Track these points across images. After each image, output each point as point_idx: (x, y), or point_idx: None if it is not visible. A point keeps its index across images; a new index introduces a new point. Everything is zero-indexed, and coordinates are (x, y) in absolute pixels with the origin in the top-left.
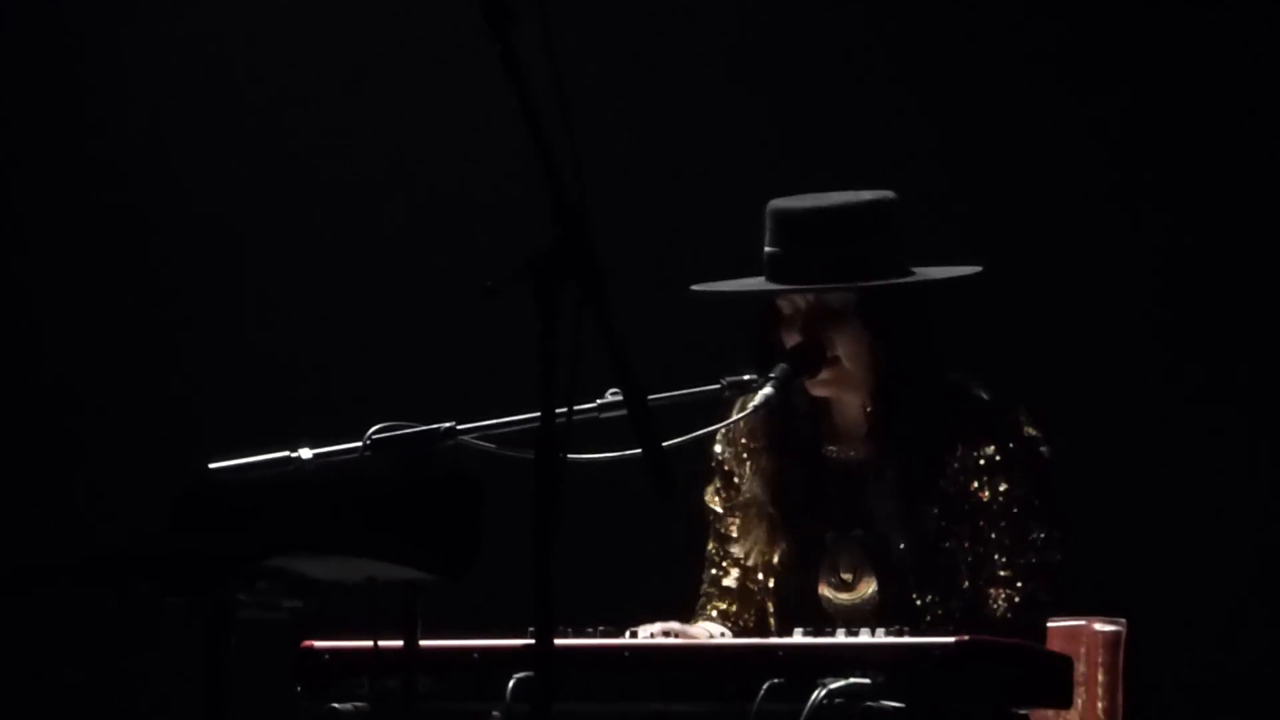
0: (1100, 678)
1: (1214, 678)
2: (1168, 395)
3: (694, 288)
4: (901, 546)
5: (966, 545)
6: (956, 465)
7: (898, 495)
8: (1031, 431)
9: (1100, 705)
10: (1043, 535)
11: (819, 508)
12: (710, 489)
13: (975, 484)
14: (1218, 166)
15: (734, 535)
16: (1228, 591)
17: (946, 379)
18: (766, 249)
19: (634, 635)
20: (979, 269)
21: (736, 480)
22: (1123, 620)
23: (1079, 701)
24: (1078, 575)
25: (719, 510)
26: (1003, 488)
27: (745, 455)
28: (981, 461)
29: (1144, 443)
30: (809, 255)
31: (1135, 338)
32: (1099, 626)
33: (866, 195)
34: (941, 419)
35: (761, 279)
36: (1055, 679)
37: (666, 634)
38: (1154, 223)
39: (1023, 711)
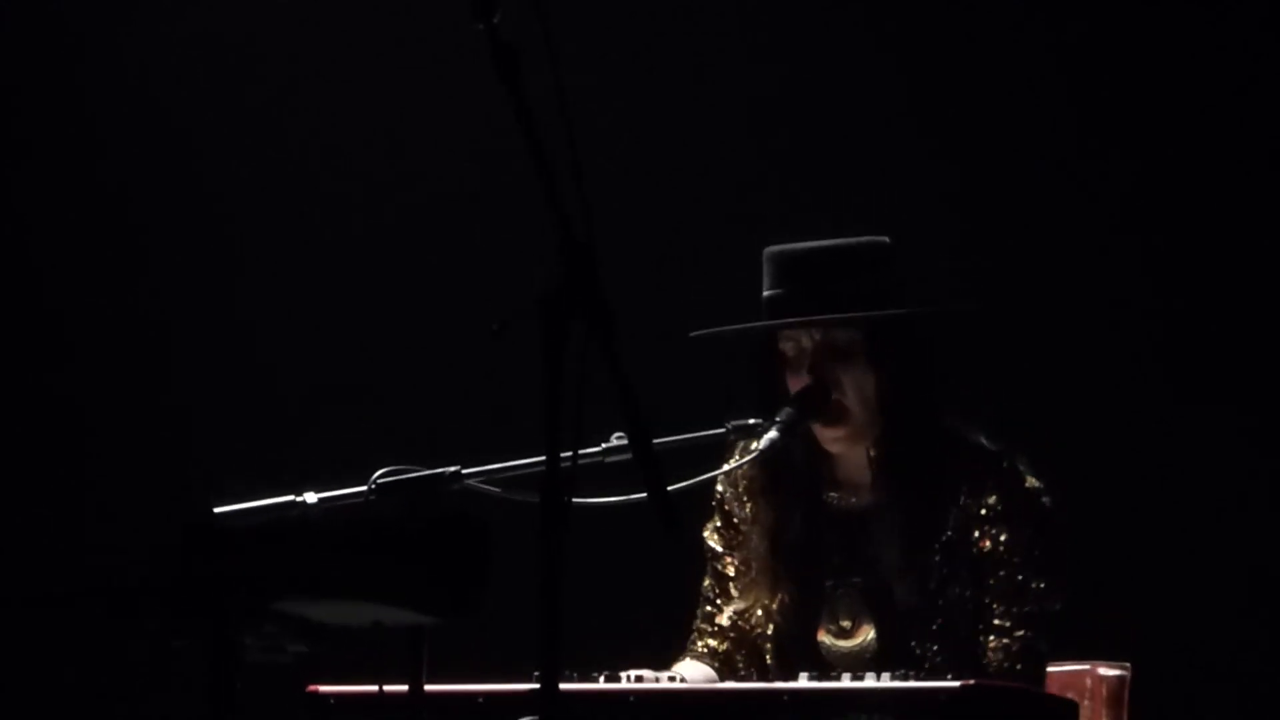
0: None
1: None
2: (1171, 438)
3: (695, 333)
4: (902, 594)
5: (969, 594)
6: (959, 514)
7: (900, 542)
8: (1034, 482)
9: None
10: (1042, 584)
11: (819, 555)
12: (710, 527)
13: (977, 533)
14: (1219, 191)
15: (731, 574)
16: (1232, 635)
17: (945, 424)
18: (769, 292)
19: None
20: (976, 307)
21: (736, 520)
22: (1127, 664)
23: None
24: (1082, 619)
25: (717, 549)
26: (1003, 537)
27: (746, 499)
28: (983, 511)
29: (1148, 486)
30: (815, 292)
31: (1136, 378)
32: (1103, 670)
33: (864, 238)
34: (944, 465)
35: (766, 321)
36: None
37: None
38: (1157, 261)
39: None
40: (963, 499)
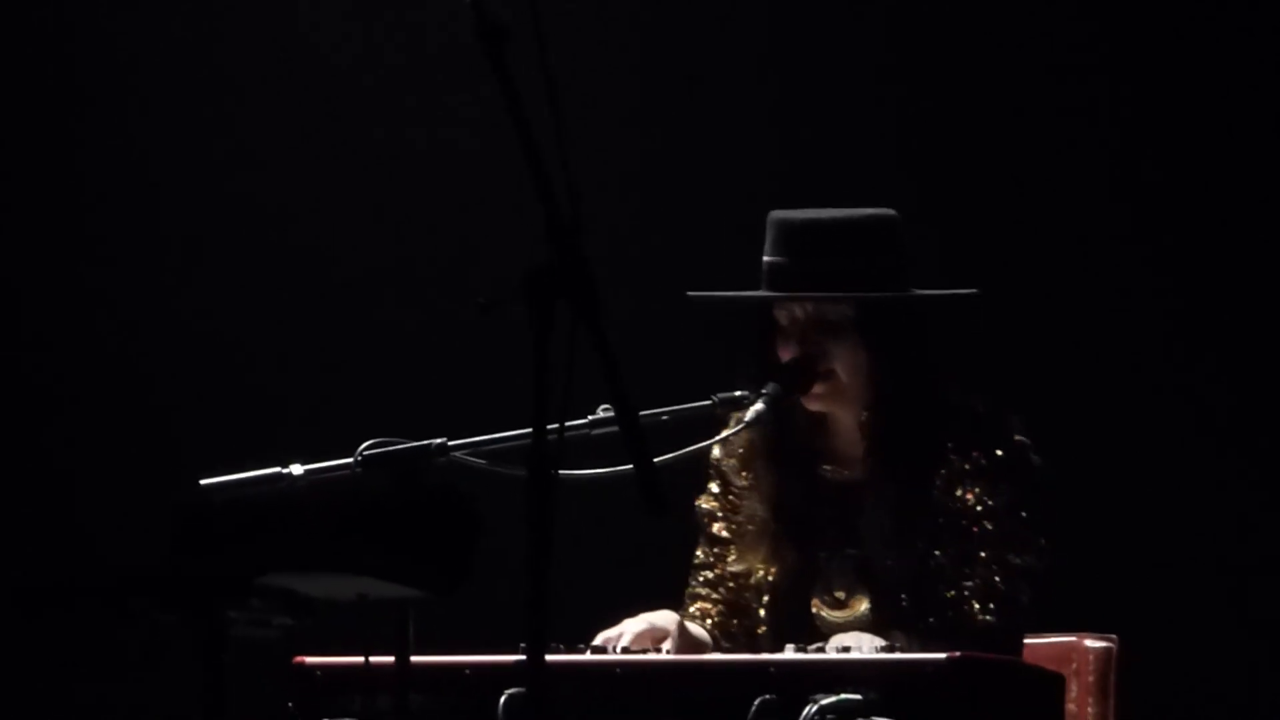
0: (1092, 694)
1: (1205, 693)
2: (1161, 411)
3: (692, 294)
4: (895, 565)
5: (954, 552)
6: (945, 474)
7: (891, 514)
8: (1020, 438)
9: None
10: (1026, 538)
11: (814, 527)
12: (706, 494)
13: (959, 490)
14: (1221, 176)
15: (726, 536)
16: (1219, 606)
17: (943, 396)
18: (766, 258)
19: (616, 641)
20: (975, 290)
21: (732, 486)
22: (1114, 636)
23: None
24: (1069, 591)
25: (715, 513)
26: (987, 492)
27: (743, 468)
28: (967, 467)
29: (1137, 459)
30: (809, 265)
31: (1129, 353)
32: (1090, 643)
33: (868, 211)
34: (934, 434)
35: (760, 291)
36: (1047, 696)
37: (652, 627)
38: (1157, 246)
39: None
40: (948, 459)
